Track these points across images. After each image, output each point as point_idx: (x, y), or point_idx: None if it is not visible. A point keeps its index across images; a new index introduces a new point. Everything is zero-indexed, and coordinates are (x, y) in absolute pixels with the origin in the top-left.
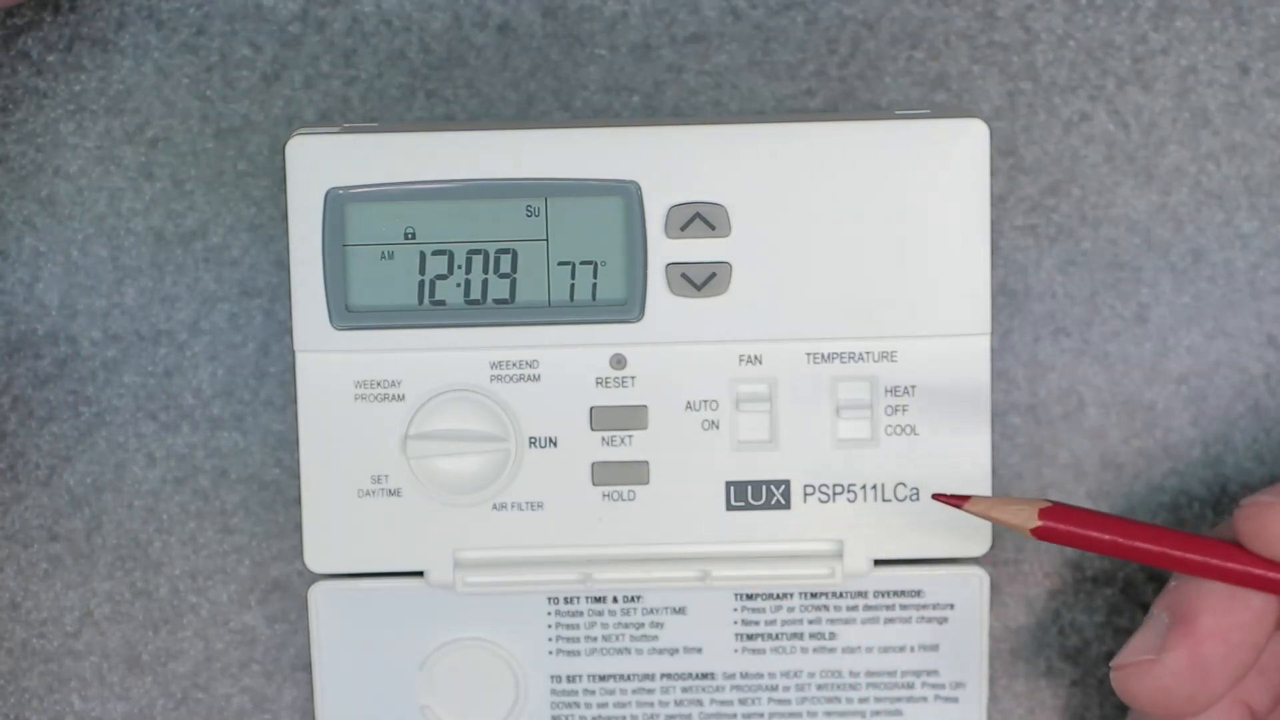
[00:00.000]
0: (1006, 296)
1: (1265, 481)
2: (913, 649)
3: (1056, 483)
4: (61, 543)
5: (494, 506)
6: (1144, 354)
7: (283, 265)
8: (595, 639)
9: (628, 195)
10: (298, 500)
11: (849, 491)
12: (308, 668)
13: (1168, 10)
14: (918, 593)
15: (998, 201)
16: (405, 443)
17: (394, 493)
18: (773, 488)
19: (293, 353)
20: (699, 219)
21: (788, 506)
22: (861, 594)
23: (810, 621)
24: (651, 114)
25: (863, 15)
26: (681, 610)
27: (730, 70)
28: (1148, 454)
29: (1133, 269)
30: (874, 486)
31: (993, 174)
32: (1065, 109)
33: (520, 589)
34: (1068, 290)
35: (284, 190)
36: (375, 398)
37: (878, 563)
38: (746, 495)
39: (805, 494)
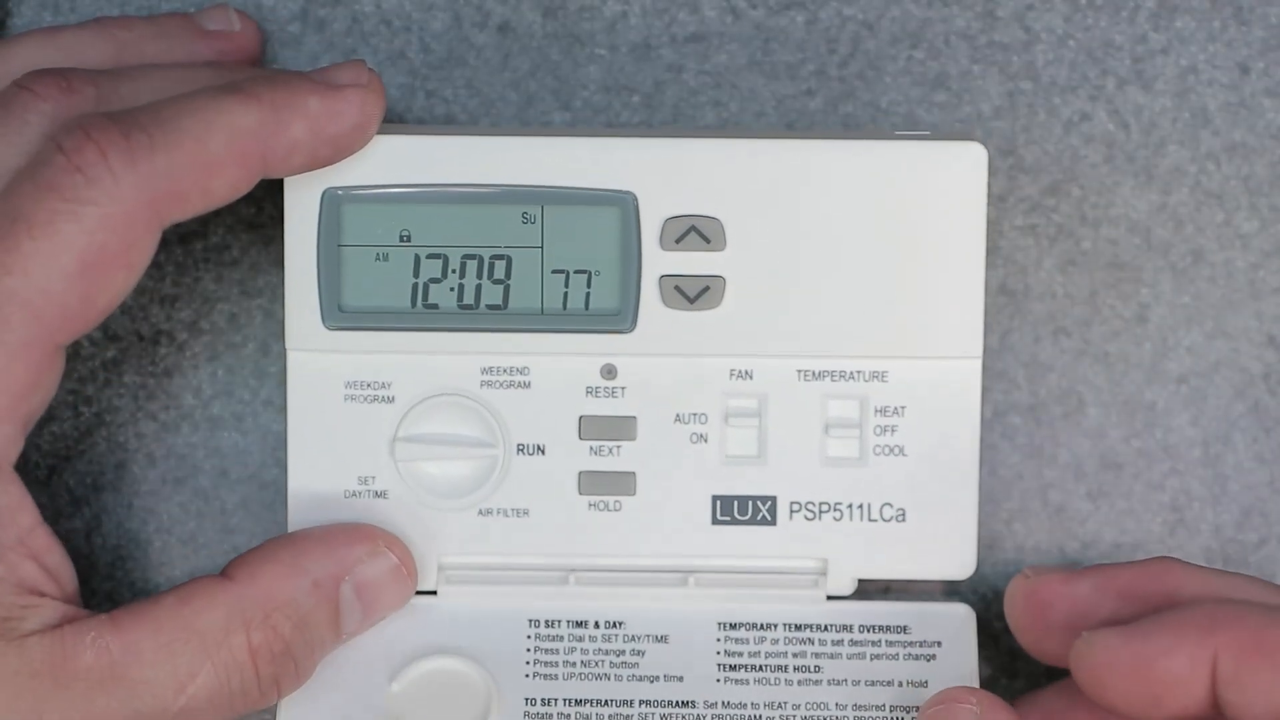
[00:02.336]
0: (1006, 296)
1: (1265, 483)
2: (900, 684)
3: (1056, 482)
4: (61, 542)
5: (480, 512)
6: (1144, 354)
7: (281, 265)
8: (574, 664)
9: (624, 206)
10: None
11: (835, 510)
12: None
13: (1168, 10)
14: (904, 629)
15: (997, 201)
16: (394, 445)
17: (380, 495)
18: (759, 503)
19: (284, 350)
20: (694, 232)
21: (773, 523)
22: (846, 628)
23: (795, 655)
24: (651, 113)
25: (863, 15)
26: (663, 639)
27: (730, 70)
28: (1148, 454)
29: (1133, 269)
30: (860, 506)
31: (992, 174)
32: (1065, 109)
33: (503, 595)
34: (1068, 290)
35: (282, 189)
36: (365, 399)
37: (862, 582)
38: (732, 510)
39: (791, 511)
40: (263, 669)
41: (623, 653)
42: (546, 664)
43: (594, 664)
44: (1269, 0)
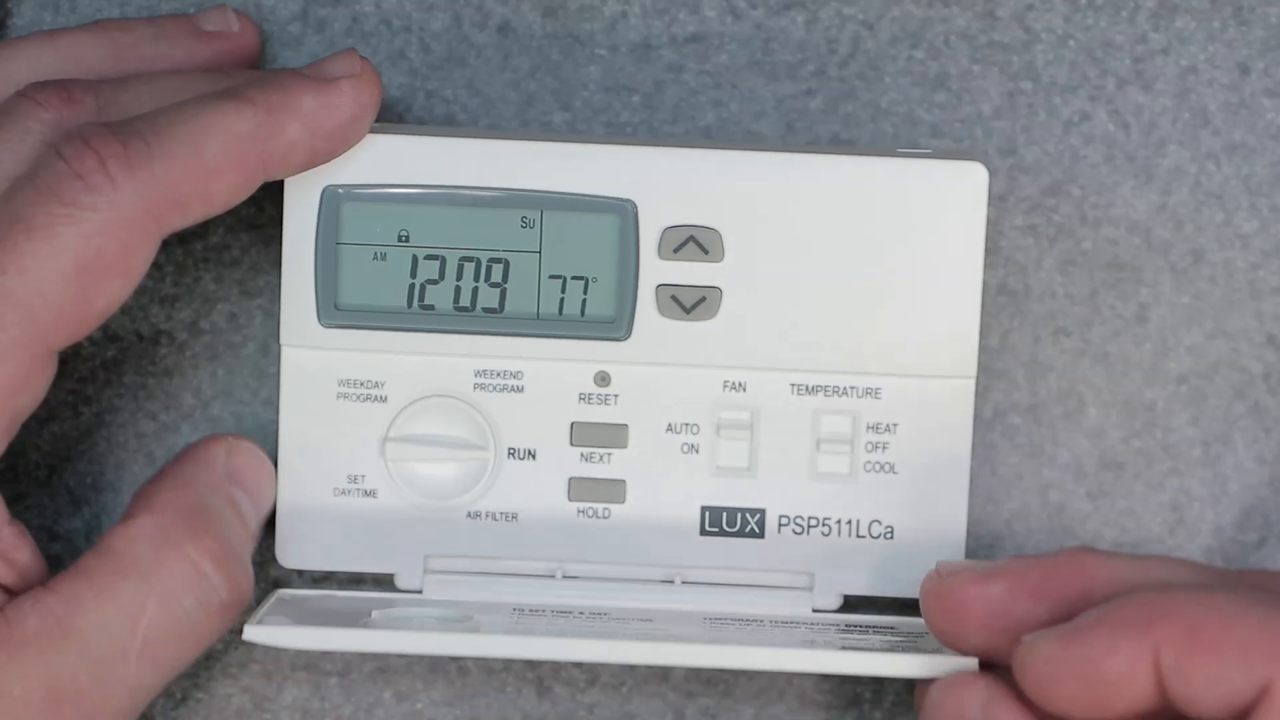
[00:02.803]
0: (1006, 296)
1: (1265, 483)
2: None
3: (1056, 482)
4: (61, 543)
5: (468, 514)
6: (1144, 354)
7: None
8: (558, 625)
9: (623, 213)
10: None
11: (823, 525)
12: (308, 667)
13: (1168, 10)
14: (890, 628)
15: (997, 201)
16: (385, 445)
17: (369, 494)
18: (748, 515)
19: (279, 346)
20: (692, 242)
21: (761, 535)
22: (833, 623)
23: (783, 635)
24: (651, 114)
25: (863, 15)
26: (648, 621)
27: (730, 70)
28: (1148, 454)
29: (1133, 269)
30: (849, 522)
31: (993, 174)
32: (1065, 109)
33: (489, 598)
34: (1068, 290)
35: (282, 188)
36: (358, 397)
37: (847, 598)
38: (721, 521)
39: (780, 524)
40: (213, 573)
41: (609, 624)
42: (529, 626)
43: (577, 623)
44: (1269, 0)
